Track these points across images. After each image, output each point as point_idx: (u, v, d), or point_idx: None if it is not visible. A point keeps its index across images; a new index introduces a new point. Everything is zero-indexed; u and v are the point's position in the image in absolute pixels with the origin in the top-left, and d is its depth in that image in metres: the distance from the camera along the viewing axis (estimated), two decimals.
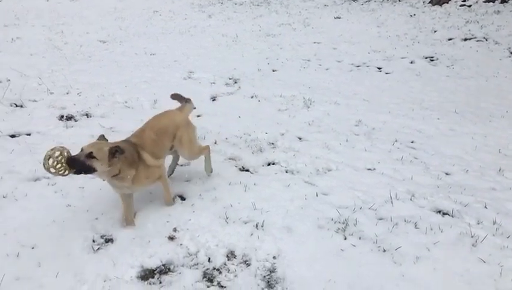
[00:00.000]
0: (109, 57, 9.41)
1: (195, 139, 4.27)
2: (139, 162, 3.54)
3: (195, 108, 4.79)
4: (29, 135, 5.39)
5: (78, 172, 3.14)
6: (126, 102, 6.73)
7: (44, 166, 2.98)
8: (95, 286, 3.04)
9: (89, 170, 3.15)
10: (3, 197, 3.95)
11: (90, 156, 3.12)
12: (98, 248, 3.41)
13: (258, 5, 16.01)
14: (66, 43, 10.14)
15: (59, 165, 3.00)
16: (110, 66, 8.67)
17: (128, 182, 3.50)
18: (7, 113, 5.94)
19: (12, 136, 5.32)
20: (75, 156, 3.09)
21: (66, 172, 3.06)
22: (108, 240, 3.54)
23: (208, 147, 4.44)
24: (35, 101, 6.51)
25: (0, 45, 9.60)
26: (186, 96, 4.47)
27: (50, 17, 12.37)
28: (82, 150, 3.16)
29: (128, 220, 3.73)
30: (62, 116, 6.02)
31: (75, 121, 5.95)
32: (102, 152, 3.17)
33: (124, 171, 3.40)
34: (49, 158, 2.99)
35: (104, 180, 3.48)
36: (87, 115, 6.16)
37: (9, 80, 7.10)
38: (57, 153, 3.03)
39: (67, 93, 6.90)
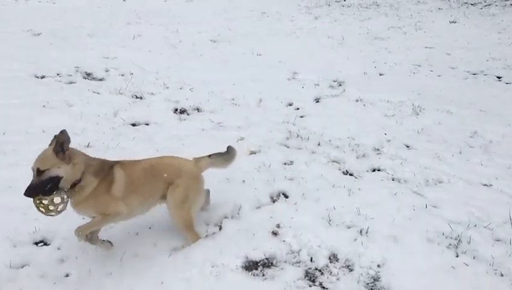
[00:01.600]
0: (219, 56, 9.84)
1: (192, 204, 3.35)
2: (106, 178, 3.04)
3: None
4: (147, 124, 5.85)
5: (47, 192, 2.78)
6: (233, 99, 6.99)
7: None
8: (204, 270, 3.22)
9: (52, 182, 2.78)
10: None
11: (39, 171, 2.77)
12: (206, 235, 3.60)
13: (366, 8, 15.62)
14: (181, 42, 10.81)
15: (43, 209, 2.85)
16: (219, 65, 9.07)
17: (78, 197, 2.96)
18: (129, 104, 6.51)
19: (133, 124, 5.82)
20: (29, 185, 2.77)
21: (50, 207, 2.84)
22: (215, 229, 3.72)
23: (196, 237, 3.45)
24: (153, 94, 7.04)
25: (123, 41, 10.52)
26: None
27: (167, 17, 13.29)
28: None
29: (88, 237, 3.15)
30: (176, 110, 6.45)
31: (188, 114, 6.33)
32: (48, 158, 2.79)
33: (85, 178, 2.94)
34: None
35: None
36: (198, 109, 6.52)
37: (132, 74, 7.78)
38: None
39: (181, 89, 7.35)
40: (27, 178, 3.71)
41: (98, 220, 3.07)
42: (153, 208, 3.39)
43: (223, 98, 7.02)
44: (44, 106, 6.14)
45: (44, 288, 2.95)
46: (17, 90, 6.74)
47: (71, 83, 7.39)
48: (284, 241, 3.58)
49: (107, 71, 8.02)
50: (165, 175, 3.25)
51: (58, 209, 2.89)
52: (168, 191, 3.27)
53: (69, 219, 3.61)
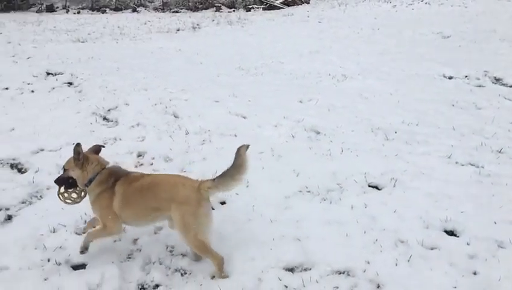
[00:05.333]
0: None
1: (196, 230, 3.02)
2: (108, 191, 3.21)
3: None
4: None
5: (67, 186, 3.31)
6: None
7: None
8: None
9: (67, 179, 3.28)
10: None
11: (64, 169, 3.33)
12: None
13: None
14: None
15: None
16: None
17: (91, 199, 3.28)
18: None
19: None
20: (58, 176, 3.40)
21: (67, 195, 3.35)
22: None
23: (217, 258, 3.09)
24: None
25: None
26: None
27: None
28: None
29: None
30: None
31: None
32: (69, 161, 3.28)
33: (91, 184, 3.24)
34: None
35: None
36: None
37: None
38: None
39: None
40: (439, 166, 3.90)
41: (94, 231, 3.33)
42: (158, 222, 3.38)
43: None
44: (453, 105, 6.27)
45: (452, 276, 2.99)
46: (425, 87, 7.18)
47: (479, 86, 7.23)
48: None
49: None
50: (159, 195, 3.14)
51: (74, 201, 3.37)
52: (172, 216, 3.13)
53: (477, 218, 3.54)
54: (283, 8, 19.87)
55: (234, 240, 3.46)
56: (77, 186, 3.31)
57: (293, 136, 5.28)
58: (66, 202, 3.36)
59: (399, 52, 9.87)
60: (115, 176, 3.25)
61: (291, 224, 3.64)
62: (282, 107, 6.24)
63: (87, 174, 3.23)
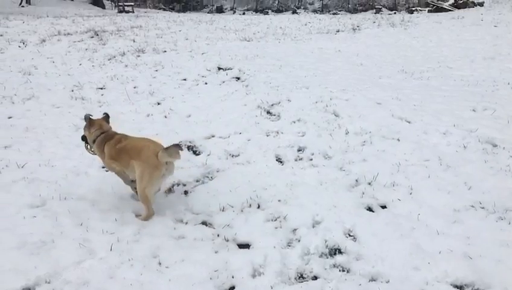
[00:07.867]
0: None
1: (147, 184, 3.69)
2: (103, 150, 3.99)
3: None
4: None
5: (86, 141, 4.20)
6: None
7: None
8: None
9: (84, 137, 4.19)
10: None
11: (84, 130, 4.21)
12: None
13: None
14: None
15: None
16: None
17: (97, 153, 4.12)
18: None
19: None
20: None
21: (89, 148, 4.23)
22: None
23: (149, 213, 3.82)
24: None
25: None
26: None
27: None
28: None
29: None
30: None
31: None
32: (85, 126, 4.14)
33: (94, 145, 4.07)
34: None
35: None
36: None
37: None
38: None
39: None
40: None
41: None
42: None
43: None
44: None
45: None
46: None
47: None
48: None
49: None
50: (129, 153, 3.80)
51: (93, 153, 4.21)
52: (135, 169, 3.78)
53: None
54: (452, 10, 18.38)
55: (396, 246, 3.33)
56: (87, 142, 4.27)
57: (464, 147, 4.86)
58: (89, 152, 4.27)
59: None
60: (105, 139, 4.02)
61: (461, 239, 3.36)
62: (452, 114, 5.78)
63: (91, 136, 4.10)
